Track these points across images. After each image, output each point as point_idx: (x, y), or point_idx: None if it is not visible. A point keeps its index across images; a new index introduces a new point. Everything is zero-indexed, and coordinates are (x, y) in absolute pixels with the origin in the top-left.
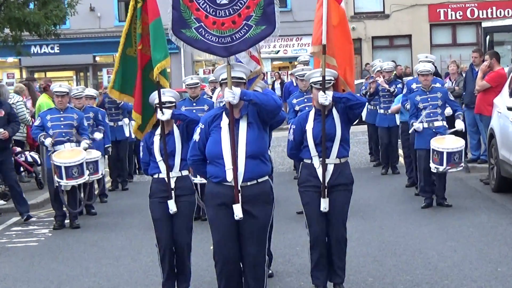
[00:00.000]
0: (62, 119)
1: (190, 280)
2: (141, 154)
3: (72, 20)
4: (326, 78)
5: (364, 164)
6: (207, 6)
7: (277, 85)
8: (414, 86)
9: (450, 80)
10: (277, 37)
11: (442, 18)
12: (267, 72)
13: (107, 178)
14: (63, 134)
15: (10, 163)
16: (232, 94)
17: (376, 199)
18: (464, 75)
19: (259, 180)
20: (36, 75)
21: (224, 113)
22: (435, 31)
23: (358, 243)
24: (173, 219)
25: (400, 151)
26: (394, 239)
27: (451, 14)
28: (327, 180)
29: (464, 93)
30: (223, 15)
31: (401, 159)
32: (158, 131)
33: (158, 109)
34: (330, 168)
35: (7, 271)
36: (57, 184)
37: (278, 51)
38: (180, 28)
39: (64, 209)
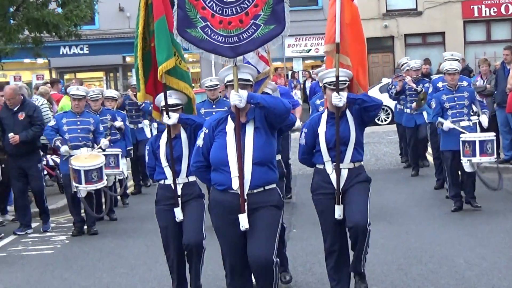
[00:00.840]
0: (78, 123)
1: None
2: (146, 158)
3: (101, 20)
4: (341, 78)
5: (394, 165)
6: (214, 4)
7: (308, 84)
8: (440, 85)
9: (482, 78)
10: (286, 37)
11: (476, 14)
12: (298, 71)
13: (130, 182)
14: (80, 138)
15: (37, 171)
16: (238, 97)
17: (404, 203)
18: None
19: (266, 188)
20: (67, 76)
21: (229, 117)
22: (469, 28)
23: (383, 249)
24: (181, 222)
25: (430, 150)
26: (420, 246)
27: (485, 10)
28: (341, 185)
29: (495, 92)
30: (230, 13)
31: (431, 159)
32: (164, 134)
33: (164, 113)
34: (344, 173)
35: (19, 281)
36: (75, 189)
37: (310, 49)
38: (185, 27)
39: (83, 214)
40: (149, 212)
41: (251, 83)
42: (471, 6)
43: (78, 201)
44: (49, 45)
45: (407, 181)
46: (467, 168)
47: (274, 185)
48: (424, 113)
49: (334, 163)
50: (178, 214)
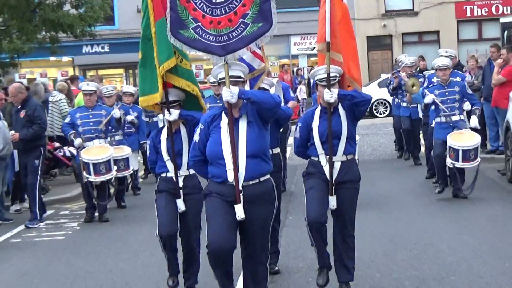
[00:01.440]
0: (91, 116)
1: (197, 275)
2: (147, 153)
3: (121, 21)
4: (331, 75)
5: (389, 155)
6: (204, 5)
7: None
8: (434, 80)
9: (470, 74)
10: (273, 36)
11: (468, 14)
12: (303, 68)
13: (141, 172)
14: (92, 131)
15: (32, 166)
16: (230, 93)
17: (396, 192)
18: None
19: (261, 179)
20: (91, 73)
21: (223, 112)
22: (462, 27)
23: (372, 237)
24: (181, 217)
25: (422, 141)
26: (407, 233)
27: (477, 10)
28: (334, 177)
29: (482, 87)
30: (219, 13)
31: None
32: (165, 129)
33: (165, 109)
34: (337, 165)
35: (28, 266)
36: (86, 180)
37: (314, 47)
38: (178, 29)
39: (95, 201)
40: None
41: (242, 79)
42: (464, 7)
43: (91, 189)
44: (72, 44)
45: (400, 171)
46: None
47: (268, 176)
48: (419, 107)
49: (328, 156)
50: (180, 205)
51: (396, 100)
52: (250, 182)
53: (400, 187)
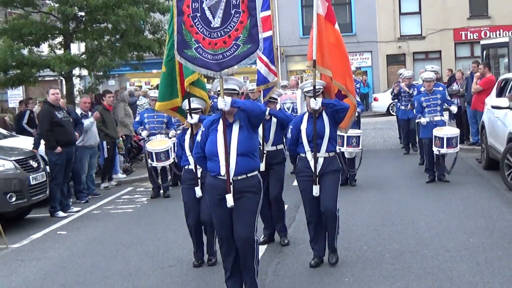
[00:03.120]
0: (155, 116)
1: (216, 253)
2: (175, 149)
3: None
4: (316, 87)
5: (394, 146)
6: (204, 29)
7: None
8: (422, 89)
9: (457, 84)
10: (260, 54)
11: (463, 38)
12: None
13: None
14: (156, 128)
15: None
16: (223, 102)
17: (394, 175)
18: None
19: (249, 175)
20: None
21: (221, 118)
22: (459, 48)
23: (367, 214)
24: (200, 202)
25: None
26: (396, 210)
27: (470, 35)
28: (318, 170)
29: (466, 94)
30: (215, 36)
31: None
32: (189, 131)
33: (188, 114)
34: (321, 160)
35: (97, 234)
36: (150, 165)
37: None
38: (183, 48)
39: (159, 181)
40: None
41: (236, 91)
42: (460, 32)
43: (155, 172)
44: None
45: (401, 158)
46: (437, 151)
47: (255, 172)
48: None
49: (313, 153)
50: (198, 191)
51: (399, 104)
52: (239, 177)
53: (399, 171)
